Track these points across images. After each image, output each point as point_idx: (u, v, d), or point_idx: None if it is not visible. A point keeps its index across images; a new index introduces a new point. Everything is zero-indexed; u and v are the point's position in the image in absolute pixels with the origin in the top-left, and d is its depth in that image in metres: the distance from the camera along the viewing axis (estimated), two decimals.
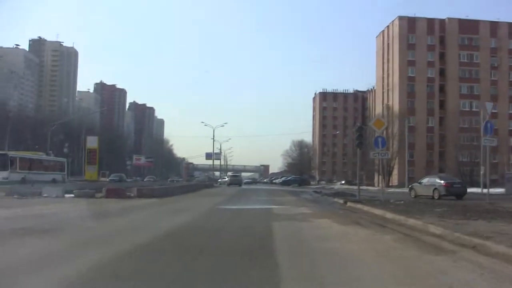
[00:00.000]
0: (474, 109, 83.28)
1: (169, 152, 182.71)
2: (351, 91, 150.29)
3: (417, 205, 19.79)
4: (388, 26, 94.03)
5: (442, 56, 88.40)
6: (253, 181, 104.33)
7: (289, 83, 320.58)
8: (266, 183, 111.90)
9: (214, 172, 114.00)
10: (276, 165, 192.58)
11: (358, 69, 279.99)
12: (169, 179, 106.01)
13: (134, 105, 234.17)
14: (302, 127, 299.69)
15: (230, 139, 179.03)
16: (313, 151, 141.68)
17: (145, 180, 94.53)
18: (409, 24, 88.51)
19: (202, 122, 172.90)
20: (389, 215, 15.14)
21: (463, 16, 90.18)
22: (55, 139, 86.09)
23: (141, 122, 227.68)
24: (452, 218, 13.21)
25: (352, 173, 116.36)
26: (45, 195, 26.65)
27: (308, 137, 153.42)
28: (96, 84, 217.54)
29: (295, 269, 6.88)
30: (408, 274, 6.52)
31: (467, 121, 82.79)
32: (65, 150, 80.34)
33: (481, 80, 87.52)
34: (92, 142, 75.13)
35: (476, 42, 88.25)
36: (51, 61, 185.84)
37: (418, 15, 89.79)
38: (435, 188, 30.20)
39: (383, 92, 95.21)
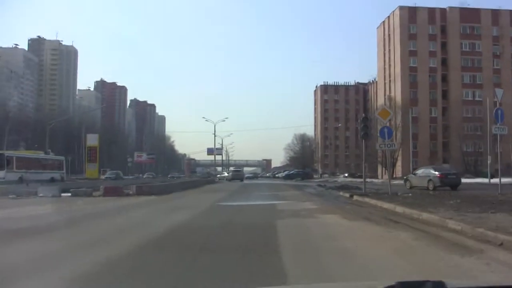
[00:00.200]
0: (477, 99, 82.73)
1: (171, 148, 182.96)
2: (352, 83, 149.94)
3: (427, 198, 18.95)
4: (388, 16, 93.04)
5: (443, 45, 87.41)
6: (254, 176, 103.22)
7: (290, 76, 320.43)
8: (268, 177, 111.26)
9: (216, 167, 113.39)
10: (279, 159, 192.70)
11: (359, 61, 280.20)
12: (169, 176, 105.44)
13: (135, 102, 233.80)
14: (303, 120, 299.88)
15: (231, 134, 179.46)
16: (315, 144, 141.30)
17: (144, 177, 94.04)
18: (410, 14, 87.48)
19: (203, 118, 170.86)
20: (399, 209, 14.29)
21: (464, 5, 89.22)
22: (56, 138, 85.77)
23: (142, 119, 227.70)
24: (468, 211, 12.31)
25: (354, 165, 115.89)
26: (41, 194, 26.24)
27: (310, 131, 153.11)
28: (97, 82, 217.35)
29: (302, 272, 6.13)
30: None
31: (470, 111, 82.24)
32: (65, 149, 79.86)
33: (484, 69, 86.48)
34: (92, 140, 74.84)
35: (478, 30, 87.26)
36: (51, 60, 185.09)
37: (418, 4, 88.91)
38: (430, 179, 29.96)
39: (384, 83, 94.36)
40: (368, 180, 35.31)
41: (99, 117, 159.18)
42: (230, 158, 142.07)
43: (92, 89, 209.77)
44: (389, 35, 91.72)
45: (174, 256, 7.40)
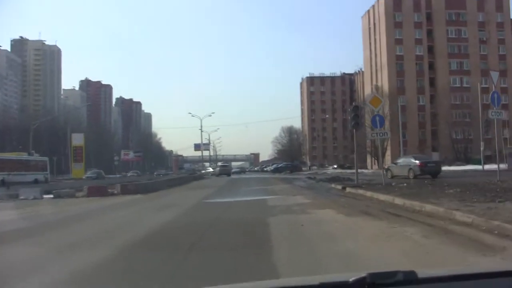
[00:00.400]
0: (465, 85, 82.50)
1: (158, 145, 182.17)
2: (338, 74, 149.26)
3: (424, 187, 18.13)
4: (373, 5, 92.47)
5: (429, 33, 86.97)
6: (241, 170, 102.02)
7: (275, 68, 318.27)
8: (256, 171, 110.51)
9: (204, 163, 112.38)
10: (267, 152, 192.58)
11: (345, 51, 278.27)
12: (155, 173, 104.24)
13: (120, 100, 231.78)
14: (291, 112, 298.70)
15: (218, 128, 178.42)
16: (302, 136, 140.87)
17: (128, 175, 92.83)
18: (394, 2, 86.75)
19: (190, 113, 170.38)
20: (398, 200, 13.40)
21: None
22: (41, 139, 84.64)
23: (129, 117, 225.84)
24: (473, 200, 11.46)
25: (343, 156, 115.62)
26: (22, 197, 25.09)
27: (297, 123, 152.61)
28: (81, 81, 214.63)
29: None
30: None
31: (458, 98, 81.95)
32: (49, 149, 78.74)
33: (471, 55, 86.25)
34: (78, 139, 74.05)
35: (464, 17, 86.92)
36: (34, 61, 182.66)
37: None
38: (410, 168, 30.24)
39: (371, 73, 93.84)
40: (358, 170, 34.57)
41: (84, 116, 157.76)
42: (218, 153, 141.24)
43: (77, 88, 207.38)
44: (374, 24, 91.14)
45: (163, 256, 7.02)
